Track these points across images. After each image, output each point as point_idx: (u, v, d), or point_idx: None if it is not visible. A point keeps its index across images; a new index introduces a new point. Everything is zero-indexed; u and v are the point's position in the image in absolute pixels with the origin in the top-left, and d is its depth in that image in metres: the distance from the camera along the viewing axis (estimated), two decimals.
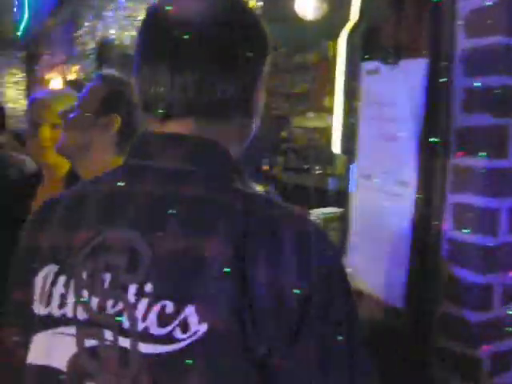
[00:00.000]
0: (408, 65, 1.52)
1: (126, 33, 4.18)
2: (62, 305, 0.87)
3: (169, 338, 0.78)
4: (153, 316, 0.79)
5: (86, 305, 0.84)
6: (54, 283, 0.88)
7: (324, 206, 4.86)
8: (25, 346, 0.90)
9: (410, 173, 1.48)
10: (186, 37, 0.89)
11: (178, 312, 0.78)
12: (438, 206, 1.43)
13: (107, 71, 1.87)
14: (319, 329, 0.78)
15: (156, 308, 0.79)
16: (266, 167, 6.65)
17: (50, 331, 0.87)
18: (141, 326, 0.80)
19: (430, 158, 1.44)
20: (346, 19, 1.86)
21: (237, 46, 0.92)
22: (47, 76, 7.20)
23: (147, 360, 0.79)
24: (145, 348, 0.79)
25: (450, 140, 1.42)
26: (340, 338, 0.80)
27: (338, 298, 0.81)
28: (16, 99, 10.71)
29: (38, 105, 2.04)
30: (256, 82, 0.96)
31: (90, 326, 0.84)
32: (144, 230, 0.84)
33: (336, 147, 1.91)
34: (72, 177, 1.77)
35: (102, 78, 1.78)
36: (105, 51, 4.09)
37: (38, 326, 0.89)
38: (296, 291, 0.77)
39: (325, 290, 0.79)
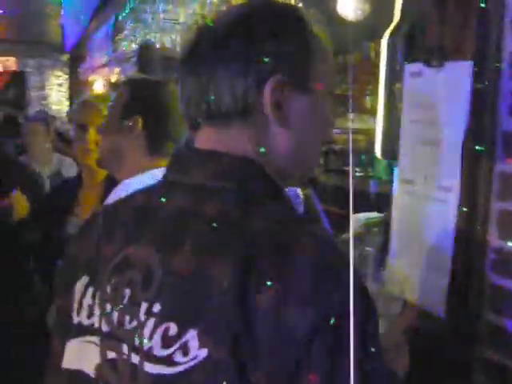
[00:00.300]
0: (453, 67, 1.47)
1: (166, 36, 4.21)
2: (89, 315, 0.89)
3: (169, 361, 0.78)
4: (157, 336, 0.79)
5: (109, 317, 0.86)
6: (84, 294, 0.91)
7: (364, 210, 4.82)
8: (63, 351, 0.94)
9: (453, 178, 1.43)
10: (203, 48, 0.91)
11: (180, 335, 0.77)
12: (482, 213, 1.38)
13: (134, 75, 1.91)
14: (320, 368, 0.73)
15: (160, 329, 0.79)
16: None
17: (80, 338, 0.90)
18: (147, 346, 0.80)
19: (475, 163, 1.40)
20: (388, 19, 1.83)
21: (249, 52, 0.89)
22: (90, 78, 7.32)
23: (151, 379, 0.79)
24: (149, 368, 0.79)
25: (496, 145, 1.37)
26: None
27: (342, 348, 0.72)
28: (60, 101, 10.93)
29: (85, 107, 2.07)
30: (273, 89, 0.89)
31: (111, 338, 0.85)
32: (160, 247, 0.85)
33: (377, 151, 1.88)
34: (110, 180, 1.79)
35: (127, 82, 1.81)
36: (145, 54, 4.13)
37: (72, 332, 0.92)
38: (297, 331, 0.73)
39: (329, 336, 0.73)
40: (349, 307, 0.72)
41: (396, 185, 1.67)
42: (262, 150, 0.91)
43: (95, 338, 0.87)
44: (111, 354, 0.84)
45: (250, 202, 0.85)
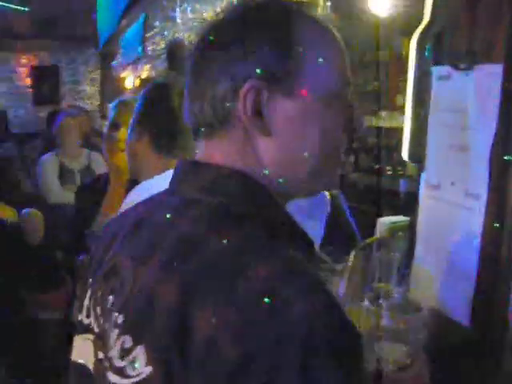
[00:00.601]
0: (482, 71, 1.44)
1: (194, 34, 4.22)
2: (87, 315, 0.93)
3: (123, 373, 0.78)
4: (117, 347, 0.80)
5: (98, 321, 0.89)
6: (85, 295, 0.95)
7: (394, 209, 4.76)
8: None
9: (480, 185, 1.40)
10: (192, 55, 0.89)
11: (131, 349, 0.77)
12: (509, 223, 1.35)
13: (163, 72, 1.96)
14: None
15: (119, 340, 0.80)
16: None
17: (83, 335, 0.93)
18: (109, 354, 0.82)
19: (504, 170, 1.36)
20: (421, 15, 1.78)
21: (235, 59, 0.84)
22: (122, 75, 7.39)
23: None
24: (110, 376, 0.81)
25: None
26: None
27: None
28: (92, 95, 11.06)
29: (120, 107, 2.09)
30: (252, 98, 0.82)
31: (99, 339, 0.88)
32: (135, 258, 0.85)
33: (404, 153, 1.85)
34: (133, 181, 1.82)
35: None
36: (175, 51, 4.15)
37: (77, 328, 0.96)
38: (224, 364, 0.68)
39: (256, 373, 0.67)
40: (286, 347, 0.66)
41: (422, 189, 1.64)
42: (251, 162, 0.85)
43: (92, 337, 0.91)
44: (100, 354, 0.87)
45: (221, 218, 0.81)
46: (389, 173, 5.68)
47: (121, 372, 0.79)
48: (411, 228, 1.76)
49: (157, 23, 4.69)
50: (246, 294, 0.70)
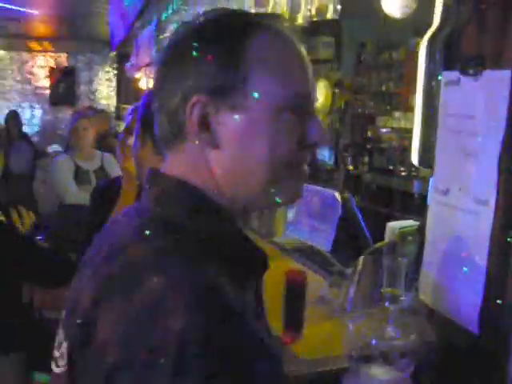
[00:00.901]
0: (490, 76, 1.43)
1: None
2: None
3: (56, 362, 0.86)
4: (57, 338, 0.88)
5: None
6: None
7: (407, 210, 4.75)
8: None
9: (489, 191, 1.40)
10: (158, 71, 0.89)
11: (61, 344, 0.85)
12: None
13: None
14: None
15: (60, 333, 0.87)
16: (350, 167, 6.57)
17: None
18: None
19: (511, 177, 1.36)
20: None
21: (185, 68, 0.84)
22: (136, 75, 7.43)
23: None
24: (53, 364, 0.88)
25: None
26: None
27: None
28: (108, 96, 11.14)
29: (136, 112, 2.10)
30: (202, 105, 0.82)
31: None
32: (86, 261, 0.89)
33: (415, 158, 1.85)
34: (141, 187, 1.84)
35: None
36: None
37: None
38: (108, 361, 0.71)
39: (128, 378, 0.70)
40: (158, 360, 0.67)
41: (431, 194, 1.64)
42: (203, 175, 0.85)
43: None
44: None
45: (151, 228, 0.81)
46: (402, 174, 5.66)
47: (56, 361, 0.86)
48: (420, 232, 1.76)
49: (170, 26, 4.71)
50: (137, 304, 0.71)
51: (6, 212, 2.53)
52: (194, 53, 0.83)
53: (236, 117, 0.82)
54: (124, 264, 0.77)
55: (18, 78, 10.70)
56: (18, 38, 10.11)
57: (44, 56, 10.77)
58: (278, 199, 0.87)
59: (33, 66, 10.78)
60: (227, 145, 0.83)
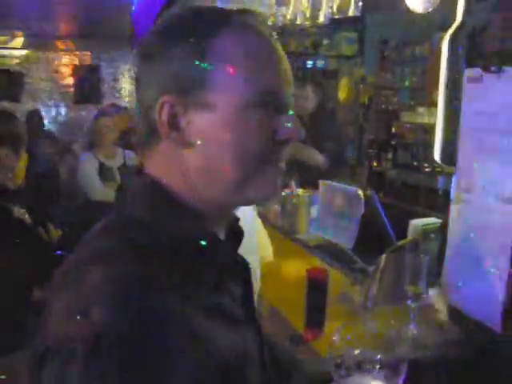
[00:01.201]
0: None
1: None
2: None
3: None
4: None
5: None
6: None
7: (431, 207, 4.71)
8: None
9: None
10: (135, 71, 0.89)
11: None
12: None
13: None
14: None
15: None
16: (374, 163, 6.54)
17: None
18: None
19: None
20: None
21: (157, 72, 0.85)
22: None
23: None
24: None
25: None
26: None
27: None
28: (132, 93, 11.20)
29: None
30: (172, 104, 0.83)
31: None
32: None
33: (437, 156, 1.84)
34: None
35: None
36: None
37: None
38: (41, 346, 0.74)
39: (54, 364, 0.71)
40: (76, 350, 0.68)
41: (453, 192, 1.63)
42: (175, 174, 0.86)
43: None
44: None
45: (112, 225, 0.84)
46: (426, 170, 5.62)
47: None
48: (443, 230, 1.75)
49: None
50: (71, 295, 0.74)
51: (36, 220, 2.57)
52: (161, 52, 0.84)
53: (204, 115, 0.82)
54: (76, 259, 0.80)
55: (43, 77, 10.82)
56: (43, 38, 10.23)
57: (69, 54, 10.88)
58: (252, 197, 0.87)
59: (58, 65, 10.90)
60: (197, 144, 0.83)
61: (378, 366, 1.00)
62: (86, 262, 0.77)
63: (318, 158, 3.76)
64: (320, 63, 6.75)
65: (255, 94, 0.83)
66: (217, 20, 0.85)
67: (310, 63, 6.69)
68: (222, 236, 0.92)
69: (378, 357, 1.00)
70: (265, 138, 0.84)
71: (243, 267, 0.92)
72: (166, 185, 0.86)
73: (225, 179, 0.84)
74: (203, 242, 0.84)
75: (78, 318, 0.70)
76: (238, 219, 0.99)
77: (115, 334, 0.68)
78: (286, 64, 0.88)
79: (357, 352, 1.02)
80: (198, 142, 0.83)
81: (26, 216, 2.47)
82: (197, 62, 0.82)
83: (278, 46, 0.88)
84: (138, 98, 0.88)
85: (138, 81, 0.88)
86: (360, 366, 0.99)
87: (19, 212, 2.43)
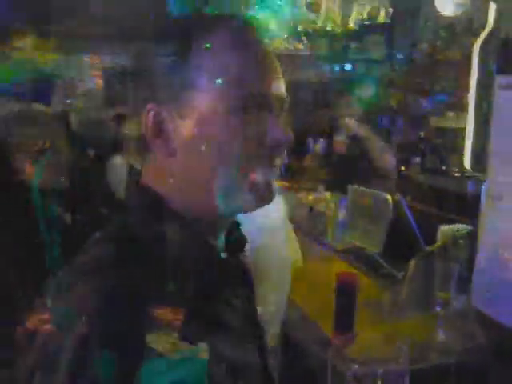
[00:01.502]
0: None
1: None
2: None
3: None
4: None
5: None
6: None
7: (460, 212, 4.65)
8: None
9: None
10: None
11: None
12: None
13: None
14: None
15: None
16: (402, 167, 6.49)
17: None
18: None
19: None
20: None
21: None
22: None
23: None
24: None
25: None
26: None
27: None
28: None
29: None
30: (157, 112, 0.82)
31: None
32: None
33: (467, 162, 1.84)
34: None
35: None
36: None
37: None
38: None
39: None
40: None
41: (484, 199, 1.63)
42: (163, 181, 0.85)
43: None
44: None
45: (107, 228, 0.86)
46: (456, 174, 5.56)
47: None
48: (472, 237, 1.75)
49: None
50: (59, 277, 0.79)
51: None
52: (146, 61, 0.85)
53: (188, 122, 0.81)
54: (68, 269, 0.82)
55: (75, 79, 10.97)
56: (74, 39, 10.37)
57: (99, 57, 11.02)
58: (243, 203, 0.85)
59: (89, 68, 11.04)
60: (183, 151, 0.82)
61: (379, 382, 0.98)
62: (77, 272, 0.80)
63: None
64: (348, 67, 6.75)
65: (238, 98, 0.81)
66: (200, 28, 0.84)
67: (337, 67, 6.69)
68: (220, 242, 0.90)
69: (380, 371, 0.98)
70: (252, 143, 0.82)
71: (243, 271, 0.92)
72: (156, 193, 0.85)
73: (212, 186, 0.82)
74: (194, 250, 0.84)
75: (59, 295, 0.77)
76: (238, 225, 0.96)
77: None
78: (274, 68, 0.86)
79: (356, 366, 0.99)
80: (184, 149, 0.82)
81: (67, 215, 2.50)
82: (179, 70, 0.81)
83: (266, 50, 0.86)
84: (130, 106, 0.90)
85: (129, 90, 0.90)
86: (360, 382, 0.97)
87: (60, 211, 2.46)
